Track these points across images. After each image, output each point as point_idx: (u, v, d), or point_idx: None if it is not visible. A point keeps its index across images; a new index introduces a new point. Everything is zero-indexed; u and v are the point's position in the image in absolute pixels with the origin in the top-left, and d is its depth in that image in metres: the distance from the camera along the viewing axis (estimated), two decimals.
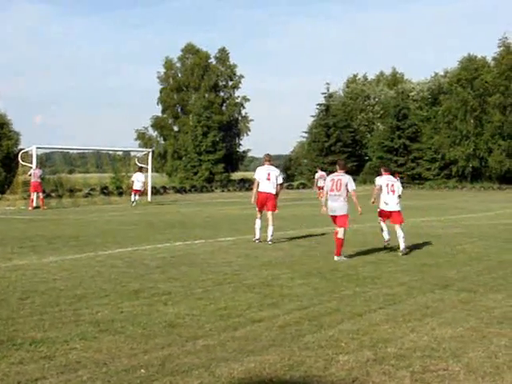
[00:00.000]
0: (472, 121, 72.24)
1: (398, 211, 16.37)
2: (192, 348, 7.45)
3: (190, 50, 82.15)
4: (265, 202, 18.63)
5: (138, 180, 39.08)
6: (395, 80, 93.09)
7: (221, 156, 72.53)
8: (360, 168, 79.71)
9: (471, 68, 72.94)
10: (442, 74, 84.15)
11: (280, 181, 18.78)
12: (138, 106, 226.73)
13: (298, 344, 7.60)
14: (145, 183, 39.96)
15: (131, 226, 23.95)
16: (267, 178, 18.51)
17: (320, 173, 44.47)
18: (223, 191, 59.11)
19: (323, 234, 20.31)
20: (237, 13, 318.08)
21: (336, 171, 15.99)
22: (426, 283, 11.68)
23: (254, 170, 19.25)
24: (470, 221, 26.07)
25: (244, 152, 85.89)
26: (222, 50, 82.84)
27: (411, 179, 73.16)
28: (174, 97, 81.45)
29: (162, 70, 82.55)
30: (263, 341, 7.75)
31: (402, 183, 50.52)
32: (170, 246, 17.35)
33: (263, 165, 19.09)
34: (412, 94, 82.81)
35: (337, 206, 15.45)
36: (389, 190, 16.43)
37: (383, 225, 16.85)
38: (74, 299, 10.08)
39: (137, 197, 39.00)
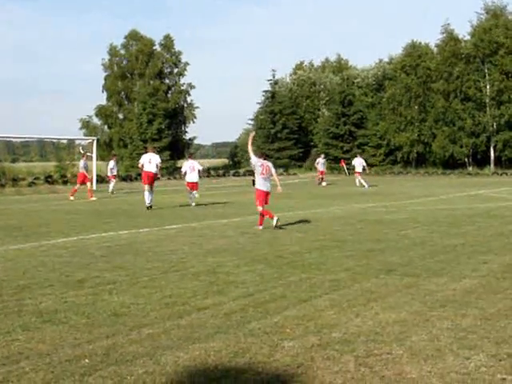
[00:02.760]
0: (416, 107, 73.01)
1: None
2: (137, 337, 7.41)
3: (134, 37, 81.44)
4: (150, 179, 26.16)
5: (110, 167, 39.56)
6: (340, 66, 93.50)
7: (166, 144, 72.22)
8: (306, 154, 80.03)
9: (415, 55, 73.66)
10: (386, 60, 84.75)
11: (158, 161, 26.59)
12: (82, 94, 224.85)
13: (243, 331, 7.60)
14: (112, 170, 40.17)
15: (76, 215, 23.76)
16: (149, 162, 26.13)
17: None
18: (169, 179, 58.64)
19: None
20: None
21: (262, 159, 19.36)
22: (371, 268, 11.76)
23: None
24: (414, 206, 26.35)
25: (190, 139, 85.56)
26: (167, 37, 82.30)
27: None
28: (118, 84, 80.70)
29: (107, 57, 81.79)
30: (208, 328, 7.74)
31: (347, 169, 51.67)
32: (116, 235, 17.23)
33: (146, 153, 27.07)
34: (357, 80, 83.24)
35: (269, 185, 19.11)
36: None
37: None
38: (16, 290, 9.95)
39: (113, 182, 39.72)
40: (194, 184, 27.81)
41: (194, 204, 27.49)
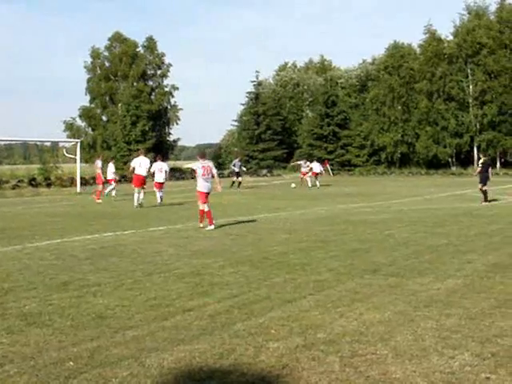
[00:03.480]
0: (400, 107, 73.34)
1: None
2: (121, 339, 7.39)
3: (118, 39, 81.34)
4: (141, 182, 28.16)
5: (112, 170, 37.54)
6: (324, 67, 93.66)
7: (150, 145, 72.12)
8: (290, 155, 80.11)
9: (398, 55, 73.95)
10: (369, 61, 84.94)
11: (148, 165, 28.95)
12: (66, 97, 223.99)
13: (229, 332, 7.60)
14: (115, 173, 38.10)
15: (60, 217, 23.66)
16: (139, 166, 28.35)
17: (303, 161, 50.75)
18: (153, 181, 58.60)
19: (253, 222, 20.36)
20: (165, 1, 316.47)
21: (202, 160, 19.69)
22: (355, 269, 11.78)
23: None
24: (398, 206, 26.43)
25: (174, 141, 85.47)
26: (150, 39, 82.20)
27: (341, 166, 73.87)
28: (102, 86, 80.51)
29: (89, 60, 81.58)
30: (193, 330, 7.73)
31: (331, 170, 52.40)
32: (100, 237, 17.18)
33: (138, 156, 29.23)
34: (340, 81, 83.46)
35: (210, 186, 19.57)
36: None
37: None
38: (0, 293, 9.90)
39: (112, 185, 36.67)
40: (161, 184, 29.74)
41: (159, 202, 29.24)
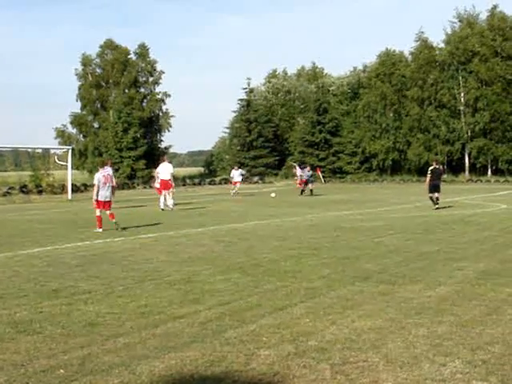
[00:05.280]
0: (391, 114, 73.52)
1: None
2: (112, 346, 7.37)
3: (109, 46, 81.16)
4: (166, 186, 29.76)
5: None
6: (315, 75, 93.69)
7: (142, 152, 72.05)
8: (282, 163, 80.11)
9: (389, 63, 74.11)
10: (361, 68, 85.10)
11: (172, 170, 30.60)
12: (57, 103, 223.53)
13: (220, 340, 7.58)
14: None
15: (51, 224, 23.60)
16: (163, 171, 30.33)
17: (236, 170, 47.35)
18: (145, 188, 58.53)
19: (244, 229, 20.35)
20: (157, 8, 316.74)
21: (103, 168, 21.01)
22: (346, 276, 11.78)
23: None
24: (389, 213, 26.45)
25: (166, 148, 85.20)
26: (142, 46, 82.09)
27: (332, 173, 73.86)
28: (93, 93, 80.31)
29: (81, 67, 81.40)
30: (184, 337, 7.71)
31: (323, 177, 51.83)
32: (91, 244, 17.13)
33: (162, 162, 31.07)
34: (332, 88, 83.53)
35: (109, 194, 20.84)
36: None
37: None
38: None
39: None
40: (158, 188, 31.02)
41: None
